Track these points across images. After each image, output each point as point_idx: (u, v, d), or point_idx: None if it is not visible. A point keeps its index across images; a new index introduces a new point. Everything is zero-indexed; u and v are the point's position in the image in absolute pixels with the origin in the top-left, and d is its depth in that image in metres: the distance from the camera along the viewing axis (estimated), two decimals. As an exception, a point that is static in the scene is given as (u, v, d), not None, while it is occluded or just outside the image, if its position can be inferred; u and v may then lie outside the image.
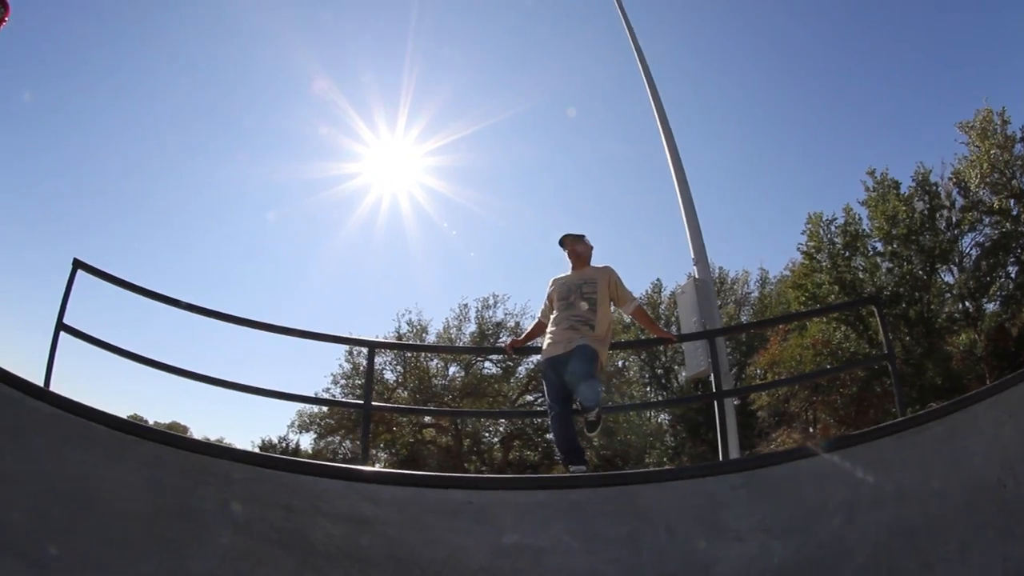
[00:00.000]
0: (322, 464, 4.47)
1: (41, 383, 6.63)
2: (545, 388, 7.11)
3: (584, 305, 6.97)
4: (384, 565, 4.03)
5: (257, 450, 35.28)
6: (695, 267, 10.95)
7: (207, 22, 74.51)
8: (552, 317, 7.21)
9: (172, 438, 4.56)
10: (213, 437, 44.14)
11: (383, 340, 28.22)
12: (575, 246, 7.41)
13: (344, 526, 4.05)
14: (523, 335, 8.03)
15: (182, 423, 48.15)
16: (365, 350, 29.86)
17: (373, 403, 8.11)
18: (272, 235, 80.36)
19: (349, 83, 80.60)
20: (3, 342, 73.44)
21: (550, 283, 7.52)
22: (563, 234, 7.49)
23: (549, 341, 7.01)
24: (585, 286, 7.07)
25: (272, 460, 4.65)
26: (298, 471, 4.28)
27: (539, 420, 29.22)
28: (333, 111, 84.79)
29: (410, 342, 33.84)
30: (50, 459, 4.20)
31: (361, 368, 32.62)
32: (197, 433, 46.06)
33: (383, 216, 57.17)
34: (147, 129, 76.12)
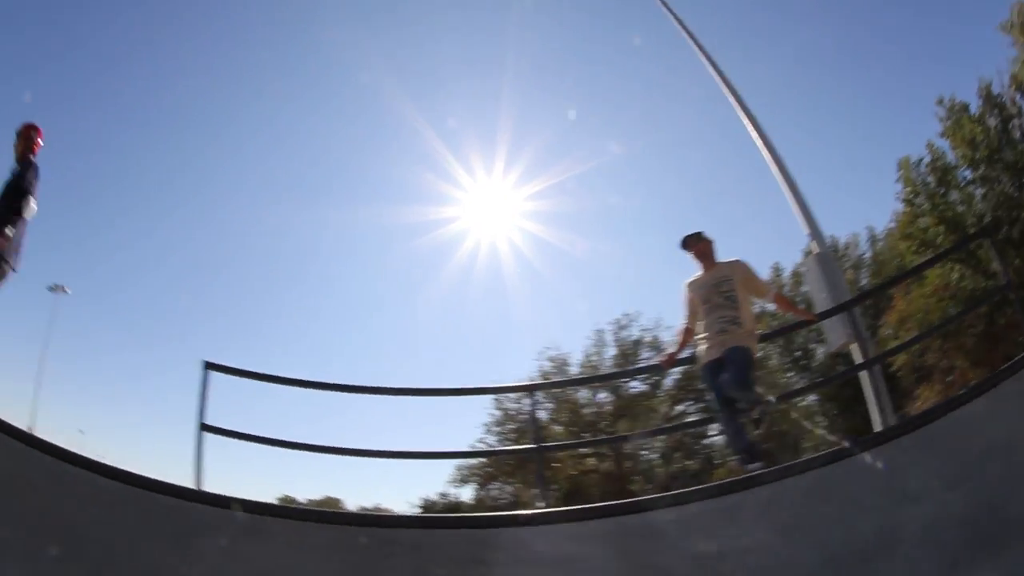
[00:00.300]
0: (513, 514, 4.54)
1: (193, 484, 6.87)
2: (708, 393, 7.17)
3: (727, 304, 6.92)
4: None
5: (419, 511, 35.45)
6: (812, 242, 10.75)
7: (305, 74, 77.69)
8: (699, 323, 7.17)
9: (351, 517, 4.74)
10: (368, 504, 43.75)
11: (538, 382, 27.92)
12: (699, 246, 7.34)
13: (545, 569, 4.12)
14: (674, 347, 7.70)
15: (333, 496, 47.54)
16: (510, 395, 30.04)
17: (543, 444, 8.17)
18: (376, 285, 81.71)
19: (447, 128, 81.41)
20: (135, 440, 75.92)
21: (686, 288, 7.40)
22: (684, 236, 7.42)
23: (704, 347, 7.01)
24: (723, 284, 7.03)
25: (459, 520, 4.74)
26: (490, 525, 4.38)
27: (695, 429, 28.91)
28: (432, 156, 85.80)
29: (555, 378, 32.76)
30: (226, 558, 4.33)
31: (510, 413, 32.47)
32: (351, 504, 45.82)
33: (483, 261, 57.04)
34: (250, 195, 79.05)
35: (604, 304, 69.98)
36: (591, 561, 4.16)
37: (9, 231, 7.01)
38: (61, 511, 4.56)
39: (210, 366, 7.55)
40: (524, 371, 34.41)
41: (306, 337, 78.20)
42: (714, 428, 25.20)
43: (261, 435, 7.71)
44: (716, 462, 28.86)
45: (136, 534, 4.44)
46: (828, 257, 10.53)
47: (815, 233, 10.60)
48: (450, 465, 36.51)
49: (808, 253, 11.66)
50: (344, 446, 7.84)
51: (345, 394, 8.19)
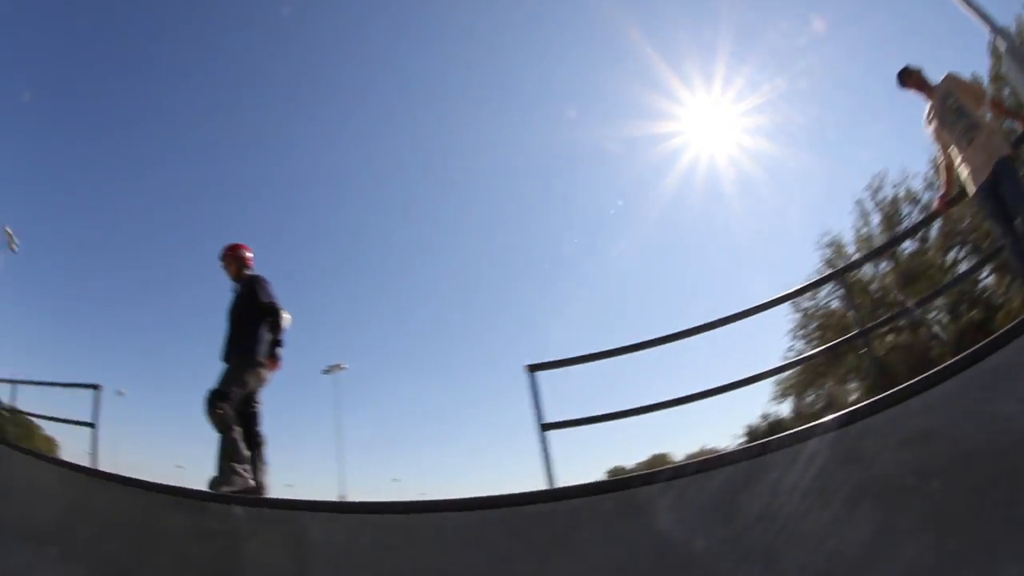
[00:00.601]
0: (852, 410, 4.30)
1: (545, 484, 7.00)
2: (989, 221, 6.88)
3: (961, 114, 6.86)
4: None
5: (746, 440, 35.05)
6: (996, 41, 9.76)
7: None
8: (951, 151, 7.03)
9: (712, 462, 4.57)
10: (694, 449, 43.29)
11: (836, 268, 26.93)
12: (912, 79, 7.45)
13: (907, 449, 3.92)
14: (942, 187, 7.65)
15: (659, 453, 47.09)
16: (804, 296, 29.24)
17: (865, 327, 7.87)
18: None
19: (665, 42, 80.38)
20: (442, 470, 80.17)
21: (925, 123, 7.41)
22: (896, 77, 7.53)
23: (967, 172, 6.80)
24: (947, 99, 7.02)
25: (809, 432, 4.47)
26: (833, 428, 4.21)
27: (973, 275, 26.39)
28: (649, 71, 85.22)
29: (838, 263, 31.13)
30: (604, 542, 4.28)
31: (809, 312, 32.41)
32: (680, 454, 45.72)
33: (703, 175, 55.23)
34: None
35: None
36: (944, 431, 3.93)
37: (280, 352, 7.42)
38: (415, 554, 4.73)
39: (533, 367, 7.63)
40: (781, 277, 33.08)
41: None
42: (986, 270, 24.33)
43: (594, 415, 7.61)
44: (998, 303, 26.27)
45: (504, 549, 4.53)
46: (1019, 50, 9.46)
47: (996, 30, 9.49)
48: (763, 387, 36.06)
49: (995, 53, 10.56)
50: (665, 400, 7.45)
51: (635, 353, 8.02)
